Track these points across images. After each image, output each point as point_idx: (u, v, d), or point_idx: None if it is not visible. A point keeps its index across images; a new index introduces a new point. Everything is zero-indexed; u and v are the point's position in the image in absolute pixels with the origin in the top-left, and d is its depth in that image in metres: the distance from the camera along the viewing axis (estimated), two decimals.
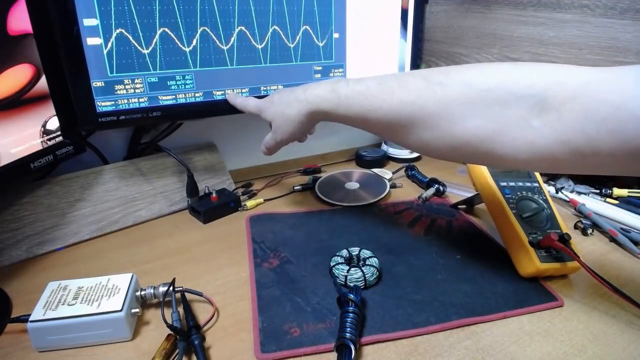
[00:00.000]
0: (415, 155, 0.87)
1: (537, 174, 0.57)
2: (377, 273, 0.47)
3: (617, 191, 0.66)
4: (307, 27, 0.66)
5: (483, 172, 0.56)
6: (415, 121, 0.40)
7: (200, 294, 0.44)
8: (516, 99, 0.34)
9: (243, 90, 0.64)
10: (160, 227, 0.61)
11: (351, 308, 0.39)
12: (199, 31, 0.58)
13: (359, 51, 0.73)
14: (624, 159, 0.31)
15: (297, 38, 0.66)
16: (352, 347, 0.36)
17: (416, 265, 0.50)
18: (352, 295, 0.41)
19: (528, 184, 0.55)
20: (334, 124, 0.86)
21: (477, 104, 0.36)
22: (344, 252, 0.50)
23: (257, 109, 0.56)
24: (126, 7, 0.52)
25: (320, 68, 0.70)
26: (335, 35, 0.69)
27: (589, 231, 0.58)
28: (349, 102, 0.45)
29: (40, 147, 0.51)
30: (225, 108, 0.64)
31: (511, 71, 0.36)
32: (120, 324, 0.39)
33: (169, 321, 0.39)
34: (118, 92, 0.55)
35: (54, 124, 0.52)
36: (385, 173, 0.78)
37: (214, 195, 0.64)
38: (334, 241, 0.56)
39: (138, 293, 0.43)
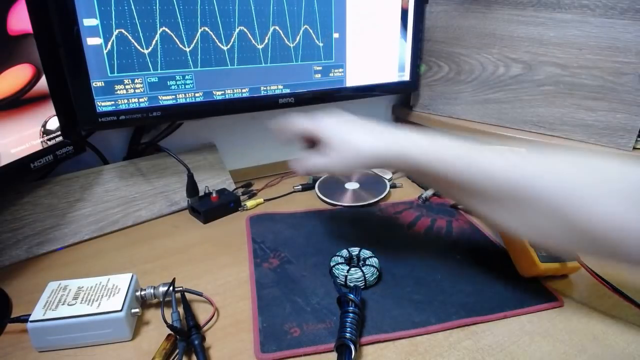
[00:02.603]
0: None
1: None
2: (377, 273, 0.47)
3: None
4: (307, 27, 0.66)
5: None
6: (527, 195, 0.34)
7: (200, 294, 0.44)
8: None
9: (243, 91, 0.64)
10: (160, 227, 0.61)
11: (351, 308, 0.39)
12: (199, 31, 0.58)
13: (359, 51, 0.73)
14: None
15: (298, 38, 0.66)
16: (352, 347, 0.36)
17: (416, 265, 0.50)
18: (352, 295, 0.41)
19: None
20: None
21: (605, 190, 0.33)
22: (344, 252, 0.50)
23: (310, 124, 0.47)
24: (126, 7, 0.52)
25: (320, 68, 0.70)
26: (335, 35, 0.69)
27: None
28: (449, 154, 0.38)
29: (40, 147, 0.50)
30: (225, 108, 0.64)
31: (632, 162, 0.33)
32: (120, 324, 0.39)
33: (169, 321, 0.39)
34: (118, 92, 0.55)
35: (54, 124, 0.52)
36: (385, 173, 0.78)
37: (214, 195, 0.64)
38: (334, 241, 0.56)
39: (138, 293, 0.43)
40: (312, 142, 0.47)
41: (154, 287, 0.43)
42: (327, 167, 0.45)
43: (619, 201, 0.32)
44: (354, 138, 0.43)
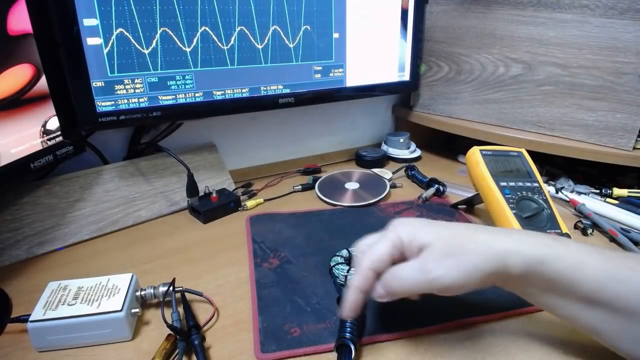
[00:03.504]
0: (415, 155, 0.87)
1: (537, 174, 0.57)
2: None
3: (617, 191, 0.66)
4: (308, 27, 0.66)
5: (483, 172, 0.56)
6: None
7: (200, 294, 0.44)
8: None
9: (243, 91, 0.64)
10: (160, 227, 0.61)
11: None
12: (200, 31, 0.58)
13: (359, 51, 0.73)
14: None
15: (298, 38, 0.66)
16: (352, 347, 0.36)
17: None
18: None
19: (528, 184, 0.55)
20: (334, 123, 0.87)
21: None
22: (344, 252, 0.50)
23: (400, 235, 0.35)
24: (126, 7, 0.52)
25: (320, 68, 0.70)
26: (335, 35, 0.69)
27: (589, 231, 0.58)
28: (584, 258, 0.32)
29: (40, 147, 0.50)
30: (225, 108, 0.64)
31: None
32: (120, 324, 0.39)
33: (169, 321, 0.39)
34: (118, 92, 0.55)
35: (54, 124, 0.52)
36: (385, 173, 0.78)
37: (214, 195, 0.64)
38: (334, 241, 0.56)
39: (138, 293, 0.43)
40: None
41: (154, 287, 0.43)
42: (430, 274, 0.32)
43: None
44: (471, 235, 0.34)
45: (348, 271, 0.46)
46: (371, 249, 0.35)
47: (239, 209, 0.66)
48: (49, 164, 0.51)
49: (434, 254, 0.33)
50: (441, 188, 0.69)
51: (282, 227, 0.60)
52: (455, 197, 0.69)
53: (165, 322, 0.38)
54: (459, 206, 0.65)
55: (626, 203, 0.64)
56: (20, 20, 0.46)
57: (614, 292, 0.31)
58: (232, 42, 0.61)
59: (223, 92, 0.63)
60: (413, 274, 0.33)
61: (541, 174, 0.58)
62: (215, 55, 0.60)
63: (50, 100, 0.51)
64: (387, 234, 0.36)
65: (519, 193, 0.53)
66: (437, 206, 0.66)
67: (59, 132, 0.53)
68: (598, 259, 0.32)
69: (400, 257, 0.35)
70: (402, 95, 0.93)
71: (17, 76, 0.47)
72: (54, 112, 0.52)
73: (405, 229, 0.35)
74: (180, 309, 0.42)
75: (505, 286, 0.34)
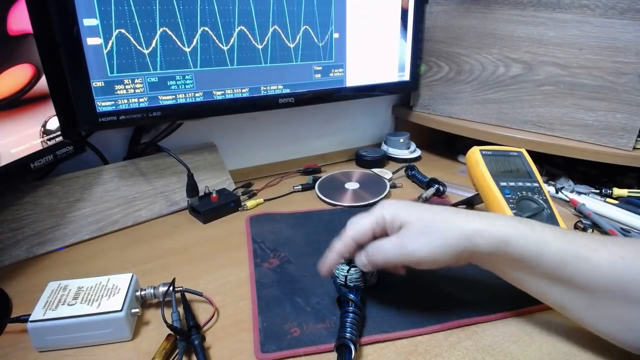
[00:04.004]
0: (415, 155, 0.87)
1: (537, 174, 0.57)
2: (377, 273, 0.47)
3: (617, 191, 0.66)
4: (307, 27, 0.66)
5: (483, 172, 0.56)
6: (632, 290, 0.32)
7: (200, 294, 0.44)
8: None
9: (243, 91, 0.64)
10: (160, 227, 0.61)
11: (351, 308, 0.39)
12: (199, 31, 0.58)
13: (359, 51, 0.73)
14: None
15: (297, 38, 0.66)
16: (352, 347, 0.36)
17: None
18: (352, 295, 0.41)
19: (528, 184, 0.55)
20: (334, 123, 0.87)
21: None
22: None
23: (383, 213, 0.40)
24: (126, 7, 0.52)
25: (320, 68, 0.70)
26: (335, 35, 0.69)
27: (589, 231, 0.58)
28: (551, 239, 0.35)
29: (40, 147, 0.50)
30: (225, 108, 0.64)
31: None
32: (120, 324, 0.39)
33: (169, 321, 0.39)
34: (118, 92, 0.55)
35: (54, 124, 0.52)
36: (385, 173, 0.78)
37: (214, 195, 0.64)
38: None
39: (138, 293, 0.43)
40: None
41: (154, 287, 0.43)
42: (406, 249, 0.37)
43: None
44: (440, 217, 0.38)
45: (348, 271, 0.46)
46: (357, 222, 0.41)
47: (239, 209, 0.66)
48: (49, 164, 0.51)
49: (411, 231, 0.38)
50: (441, 188, 0.69)
51: (282, 227, 0.60)
52: (455, 197, 0.69)
53: (165, 322, 0.38)
54: (459, 206, 0.65)
55: (626, 203, 0.64)
56: (20, 20, 0.46)
57: (574, 270, 0.34)
58: (232, 42, 0.61)
59: (223, 92, 0.63)
60: (391, 248, 0.38)
61: (541, 174, 0.58)
62: (215, 55, 0.60)
63: (50, 100, 0.51)
64: (373, 211, 0.40)
65: (519, 193, 0.53)
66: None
67: (59, 132, 0.53)
68: (560, 239, 0.35)
69: (382, 233, 0.40)
70: (402, 95, 0.93)
71: (17, 76, 0.47)
72: (54, 112, 0.52)
73: (390, 209, 0.39)
74: (180, 309, 0.42)
75: (478, 263, 0.38)
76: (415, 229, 0.38)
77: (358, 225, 0.41)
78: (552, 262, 0.35)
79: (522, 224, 0.37)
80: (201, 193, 0.65)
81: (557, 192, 0.67)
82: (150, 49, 0.55)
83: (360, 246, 0.41)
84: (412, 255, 0.37)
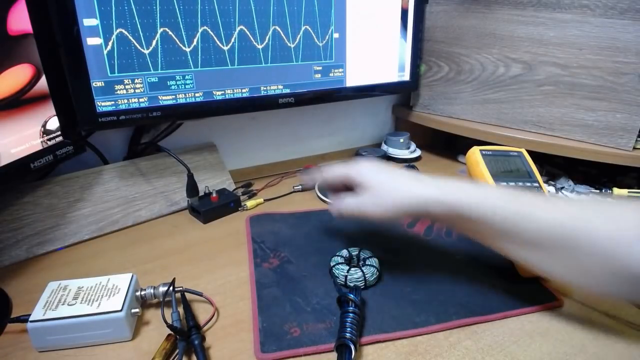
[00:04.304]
0: (415, 155, 0.87)
1: (537, 174, 0.57)
2: (377, 273, 0.47)
3: (617, 191, 0.66)
4: (308, 27, 0.66)
5: (483, 172, 0.56)
6: (578, 242, 0.34)
7: (200, 294, 0.44)
8: None
9: (243, 91, 0.64)
10: (160, 227, 0.61)
11: (351, 308, 0.39)
12: (200, 31, 0.58)
13: (359, 51, 0.73)
14: None
15: (298, 38, 0.66)
16: (352, 347, 0.36)
17: (416, 265, 0.50)
18: (352, 295, 0.41)
19: (528, 184, 0.55)
20: (334, 123, 0.87)
21: None
22: (344, 252, 0.50)
23: (350, 170, 0.46)
24: (126, 7, 0.52)
25: (320, 68, 0.70)
26: (335, 35, 0.69)
27: None
28: (499, 202, 0.38)
29: (40, 147, 0.50)
30: (225, 108, 0.64)
31: None
32: (120, 324, 0.39)
33: (169, 321, 0.39)
34: (118, 92, 0.55)
35: (54, 124, 0.52)
36: None
37: (214, 195, 0.64)
38: (334, 241, 0.56)
39: (138, 293, 0.43)
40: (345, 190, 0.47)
41: (154, 287, 0.43)
42: (364, 210, 0.43)
43: None
44: (398, 182, 0.42)
45: (348, 271, 0.46)
46: (332, 170, 0.48)
47: (239, 209, 0.66)
48: (49, 164, 0.51)
49: (369, 196, 0.43)
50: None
51: (282, 227, 0.60)
52: None
53: (165, 322, 0.38)
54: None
55: None
56: (20, 20, 0.46)
57: (525, 229, 0.37)
58: (232, 42, 0.61)
59: (223, 92, 0.63)
60: (352, 206, 0.45)
61: (541, 174, 0.58)
62: (215, 55, 0.60)
63: (50, 100, 0.51)
64: (348, 165, 0.46)
65: None
66: None
67: (59, 132, 0.53)
68: (512, 202, 0.38)
69: (351, 184, 0.46)
70: (402, 95, 0.93)
71: (17, 76, 0.47)
72: (54, 112, 0.52)
73: (360, 170, 0.45)
74: (180, 309, 0.42)
75: (438, 222, 0.44)
76: (373, 194, 0.43)
77: (332, 171, 0.48)
78: (504, 224, 0.38)
79: (474, 189, 0.40)
80: (201, 193, 0.65)
81: (557, 192, 0.67)
82: (151, 49, 0.55)
83: (331, 187, 0.50)
84: (366, 215, 0.43)
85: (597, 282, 0.35)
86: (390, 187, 0.42)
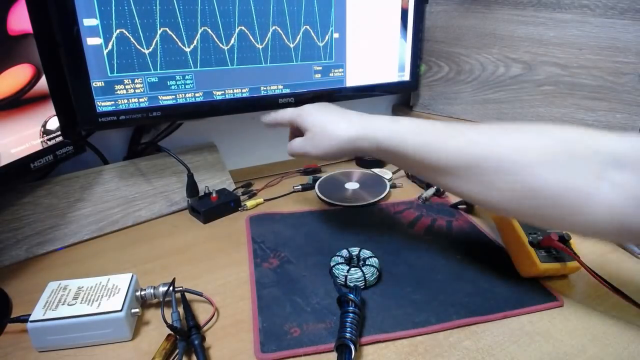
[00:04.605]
0: None
1: None
2: (377, 273, 0.47)
3: None
4: (308, 27, 0.66)
5: None
6: (483, 164, 0.37)
7: (200, 294, 0.44)
8: (593, 154, 0.33)
9: (243, 91, 0.64)
10: (160, 227, 0.61)
11: (351, 308, 0.39)
12: (200, 31, 0.58)
13: (359, 51, 0.73)
14: None
15: (298, 38, 0.66)
16: (352, 347, 0.36)
17: (416, 265, 0.50)
18: (352, 295, 0.41)
19: None
20: None
21: (556, 153, 0.35)
22: (344, 252, 0.50)
23: (294, 113, 0.52)
24: (126, 7, 0.52)
25: (320, 68, 0.70)
26: (335, 35, 0.69)
27: None
28: (409, 135, 0.42)
29: (40, 147, 0.50)
30: (225, 108, 0.64)
31: (586, 130, 0.36)
32: (120, 324, 0.39)
33: (169, 321, 0.39)
34: (118, 92, 0.55)
35: (54, 124, 0.52)
36: (385, 173, 0.78)
37: (214, 195, 0.64)
38: (334, 241, 0.56)
39: (138, 293, 0.43)
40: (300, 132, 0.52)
41: (154, 287, 0.43)
42: (306, 150, 0.49)
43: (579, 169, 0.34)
44: (329, 123, 0.48)
45: (348, 271, 0.46)
46: (281, 111, 0.53)
47: (239, 209, 0.66)
48: (49, 164, 0.51)
49: (309, 137, 0.49)
50: (441, 188, 0.69)
51: (282, 227, 0.60)
52: (455, 197, 0.69)
53: (165, 322, 0.38)
54: (459, 206, 0.65)
55: None
56: (20, 20, 0.46)
57: (437, 157, 0.40)
58: (232, 42, 0.61)
59: (223, 92, 0.63)
60: (298, 147, 0.50)
61: None
62: (215, 55, 0.60)
63: (50, 100, 0.51)
64: (296, 110, 0.52)
65: None
66: (437, 206, 0.66)
67: (59, 132, 0.53)
68: (424, 132, 0.42)
69: (298, 126, 0.51)
70: (402, 95, 0.93)
71: (17, 76, 0.47)
72: (54, 112, 0.52)
73: (303, 115, 0.50)
74: (180, 309, 0.42)
75: (369, 155, 0.47)
76: (312, 136, 0.49)
77: (281, 112, 0.53)
78: (418, 152, 0.41)
79: (390, 123, 0.44)
80: (201, 193, 0.65)
81: None
82: (151, 49, 0.55)
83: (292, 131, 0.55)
84: (310, 154, 0.49)
85: (504, 199, 0.37)
86: (324, 129, 0.48)
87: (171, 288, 0.42)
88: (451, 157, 0.39)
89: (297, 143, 0.51)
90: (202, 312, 0.43)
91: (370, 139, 0.45)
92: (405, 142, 0.42)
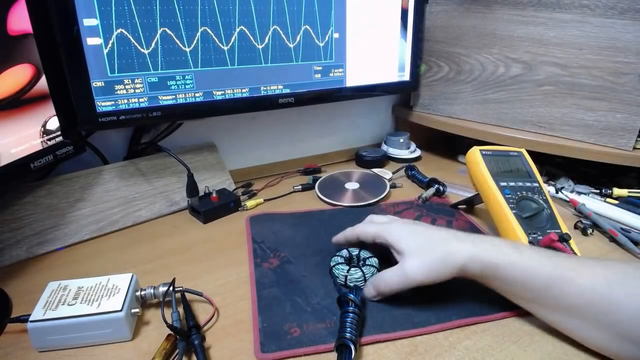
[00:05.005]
0: (415, 155, 0.87)
1: (537, 174, 0.57)
2: (377, 273, 0.47)
3: (617, 191, 0.66)
4: (308, 27, 0.66)
5: (483, 172, 0.56)
6: (620, 305, 0.34)
7: (200, 294, 0.44)
8: None
9: (243, 91, 0.64)
10: (160, 227, 0.61)
11: (351, 308, 0.39)
12: (200, 31, 0.58)
13: (359, 51, 0.73)
14: None
15: (298, 38, 0.66)
16: (352, 347, 0.36)
17: None
18: (352, 295, 0.41)
19: (528, 184, 0.55)
20: (334, 123, 0.87)
21: None
22: (344, 252, 0.50)
23: (381, 230, 0.45)
24: (126, 7, 0.52)
25: (320, 68, 0.70)
26: (335, 35, 0.69)
27: (589, 231, 0.58)
28: (532, 263, 0.38)
29: (40, 147, 0.50)
30: (225, 108, 0.64)
31: None
32: (120, 324, 0.39)
33: (169, 321, 0.39)
34: (118, 92, 0.55)
35: (54, 124, 0.52)
36: (385, 173, 0.78)
37: (214, 195, 0.64)
38: None
39: (138, 293, 0.43)
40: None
41: (154, 287, 0.43)
42: (407, 277, 0.41)
43: None
44: (437, 242, 0.42)
45: (348, 271, 0.46)
46: (365, 228, 0.48)
47: (239, 209, 0.66)
48: (49, 164, 0.51)
49: (411, 261, 0.41)
50: (441, 188, 0.69)
51: (282, 227, 0.60)
52: (455, 197, 0.69)
53: (165, 322, 0.38)
54: (459, 206, 0.65)
55: (626, 203, 0.64)
56: (20, 20, 0.46)
57: (559, 293, 0.37)
58: (232, 42, 0.61)
59: (223, 92, 0.63)
60: (395, 278, 0.42)
61: (541, 174, 0.58)
62: (215, 55, 0.60)
63: (50, 100, 0.51)
64: (383, 226, 0.46)
65: (519, 193, 0.53)
66: (437, 206, 0.66)
67: (59, 132, 0.53)
68: (545, 264, 0.38)
69: (383, 244, 0.45)
70: (402, 95, 0.93)
71: (17, 76, 0.47)
72: (54, 112, 0.52)
73: (394, 232, 0.44)
74: (180, 309, 0.42)
75: (473, 279, 0.41)
76: (415, 259, 0.41)
77: (365, 229, 0.48)
78: (538, 286, 0.38)
79: (511, 249, 0.40)
80: (201, 193, 0.65)
81: (557, 192, 0.67)
82: (151, 49, 0.55)
83: (361, 241, 0.49)
84: (413, 281, 0.41)
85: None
86: (432, 250, 0.41)
87: (171, 288, 0.42)
88: (583, 296, 0.36)
89: (393, 276, 0.42)
90: (202, 312, 0.43)
91: (483, 260, 0.39)
92: (532, 271, 0.38)
